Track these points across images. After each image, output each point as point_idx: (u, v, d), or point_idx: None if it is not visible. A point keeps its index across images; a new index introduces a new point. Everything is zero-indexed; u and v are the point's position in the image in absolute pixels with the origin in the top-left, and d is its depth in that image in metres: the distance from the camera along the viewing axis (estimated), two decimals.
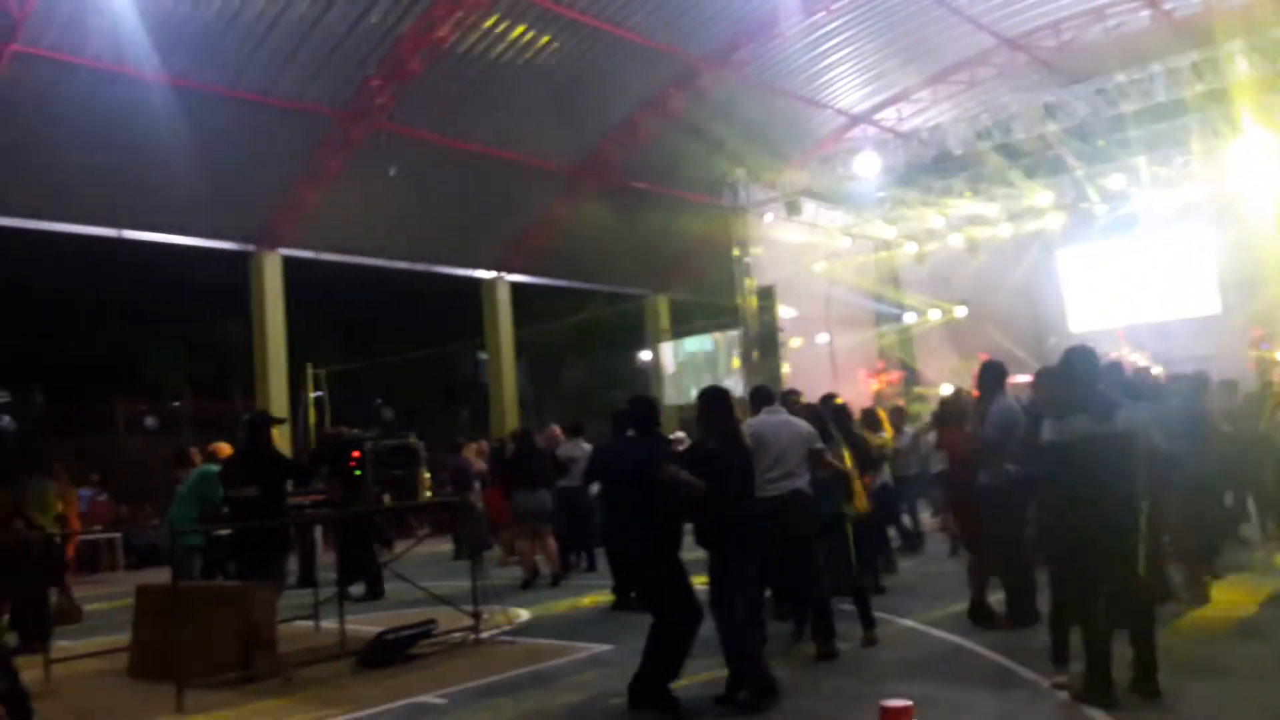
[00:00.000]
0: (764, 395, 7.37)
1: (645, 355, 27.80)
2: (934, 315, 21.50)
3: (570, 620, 9.19)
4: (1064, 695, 5.37)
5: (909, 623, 7.69)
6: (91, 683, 7.60)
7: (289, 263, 20.02)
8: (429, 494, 8.66)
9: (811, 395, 9.51)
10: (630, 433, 6.29)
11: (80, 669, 7.92)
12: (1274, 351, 13.84)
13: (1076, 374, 5.49)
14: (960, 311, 21.06)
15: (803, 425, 6.99)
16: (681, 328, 26.54)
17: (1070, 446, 5.32)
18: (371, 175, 18.78)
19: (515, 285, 24.24)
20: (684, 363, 25.01)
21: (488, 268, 23.61)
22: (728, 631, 5.72)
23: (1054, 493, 5.53)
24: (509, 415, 23.34)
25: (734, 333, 20.99)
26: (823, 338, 20.20)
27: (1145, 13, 20.22)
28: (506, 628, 8.37)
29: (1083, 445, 5.27)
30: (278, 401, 19.16)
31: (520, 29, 17.81)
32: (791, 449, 6.77)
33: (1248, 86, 14.22)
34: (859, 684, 6.01)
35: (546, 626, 8.83)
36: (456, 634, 8.09)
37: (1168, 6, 20.00)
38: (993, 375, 7.51)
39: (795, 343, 19.26)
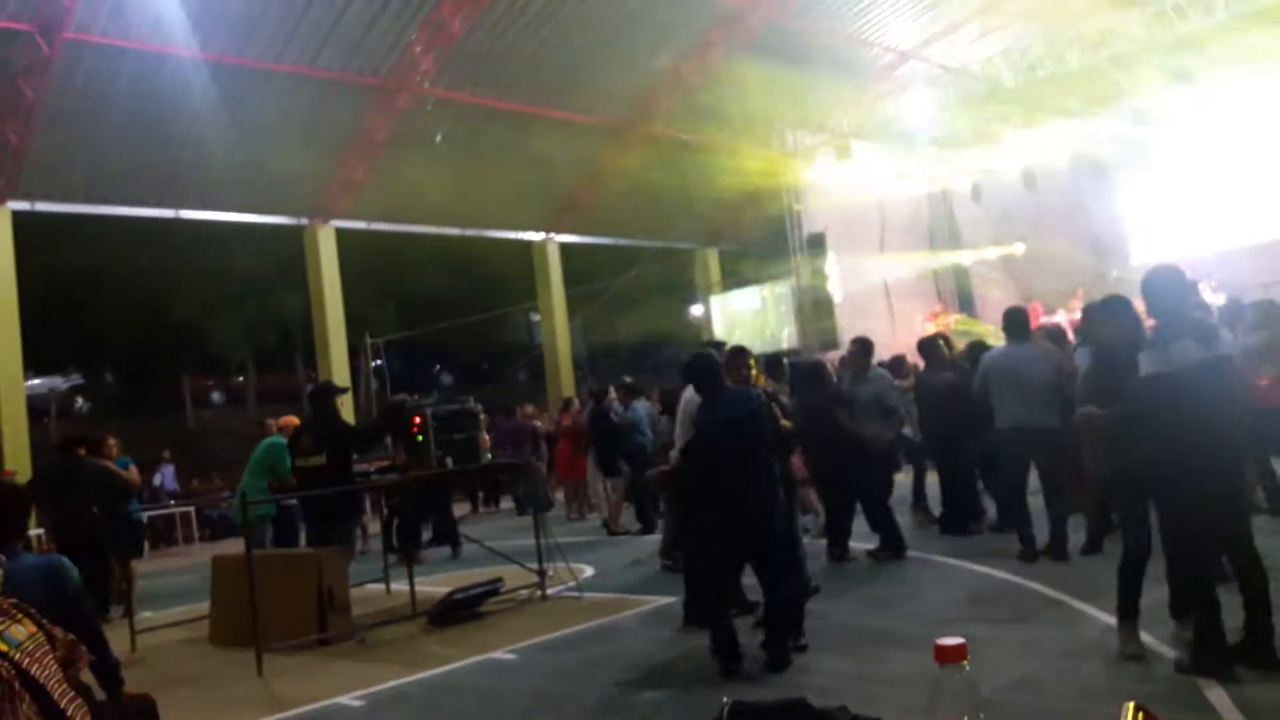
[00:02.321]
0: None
1: (697, 310, 27.70)
2: (991, 254, 21.09)
3: (634, 574, 9.27)
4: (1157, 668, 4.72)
5: (970, 565, 7.66)
6: (175, 650, 7.87)
7: (342, 234, 20.23)
8: (490, 456, 8.76)
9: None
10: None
11: (164, 638, 8.21)
12: None
13: (1171, 296, 4.78)
14: (1018, 248, 20.62)
15: None
16: (732, 280, 26.36)
17: (1177, 377, 4.56)
18: (418, 143, 18.81)
19: (565, 246, 24.24)
20: (734, 316, 24.81)
21: (537, 229, 23.62)
22: None
23: (1157, 431, 4.64)
24: (564, 376, 23.46)
25: (784, 282, 20.81)
26: (877, 282, 19.93)
27: None
28: (572, 583, 8.47)
29: (1192, 373, 4.54)
30: (339, 372, 19.45)
31: None
32: None
33: None
34: (918, 627, 6.00)
35: (611, 581, 8.92)
36: (523, 591, 8.23)
37: None
38: (1012, 322, 7.85)
39: (849, 288, 19.06)
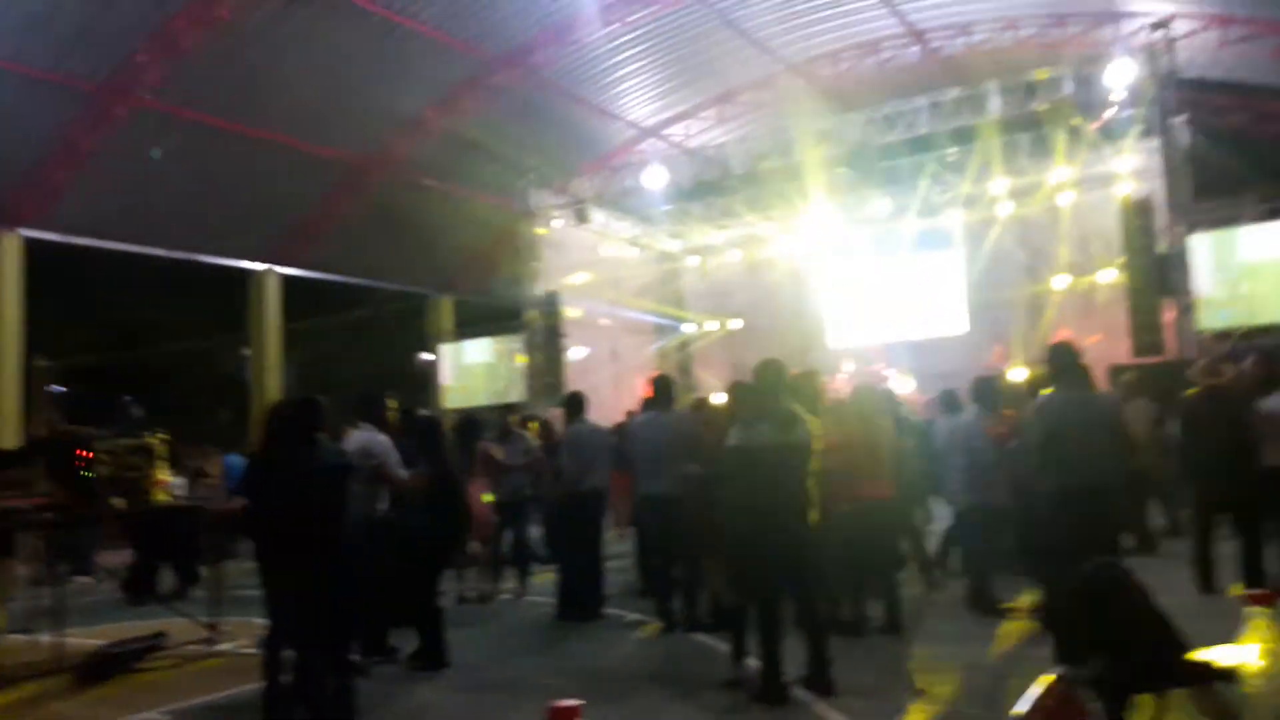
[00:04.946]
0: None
1: (427, 357, 27.17)
2: (711, 327, 22.11)
3: None
4: (740, 693, 5.61)
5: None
6: None
7: (32, 245, 18.32)
8: (164, 497, 8.04)
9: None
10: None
11: None
12: (1007, 370, 15.01)
13: (764, 386, 5.80)
14: (735, 324, 21.76)
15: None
16: (465, 330, 26.12)
17: (751, 452, 5.60)
18: (133, 155, 17.47)
19: (287, 279, 23.06)
20: (464, 368, 24.56)
21: (258, 259, 22.35)
22: None
23: (732, 496, 5.78)
24: None
25: (516, 337, 20.85)
26: (605, 344, 20.38)
27: (915, 49, 21.57)
28: (249, 640, 7.87)
29: (763, 453, 5.56)
30: (9, 398, 17.49)
31: (306, 13, 17.03)
32: None
33: (998, 124, 15.50)
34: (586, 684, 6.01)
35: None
36: (192, 647, 7.56)
37: (934, 45, 21.41)
38: (657, 391, 8.41)
39: (577, 349, 19.35)
